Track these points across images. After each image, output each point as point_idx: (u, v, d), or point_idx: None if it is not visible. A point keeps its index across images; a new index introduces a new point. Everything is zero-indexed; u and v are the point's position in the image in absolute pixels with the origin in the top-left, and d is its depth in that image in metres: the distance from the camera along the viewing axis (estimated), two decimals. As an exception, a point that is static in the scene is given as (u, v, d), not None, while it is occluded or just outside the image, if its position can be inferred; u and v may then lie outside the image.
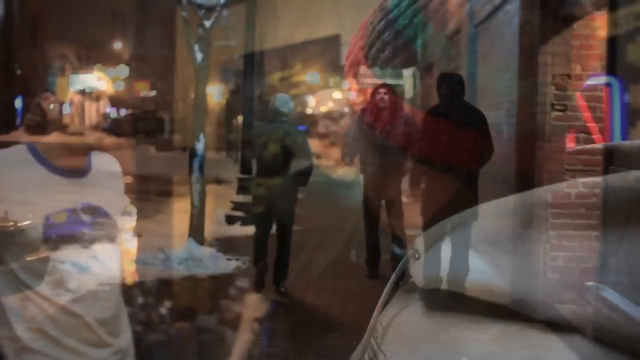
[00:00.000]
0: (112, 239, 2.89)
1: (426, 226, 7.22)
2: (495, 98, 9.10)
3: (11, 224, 2.68)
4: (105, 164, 2.95)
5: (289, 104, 8.30)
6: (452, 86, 7.25)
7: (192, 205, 9.48)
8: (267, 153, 7.94)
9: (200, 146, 9.47)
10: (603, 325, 5.17)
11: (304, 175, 7.98)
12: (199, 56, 9.66)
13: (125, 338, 3.00)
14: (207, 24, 9.69)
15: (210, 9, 9.67)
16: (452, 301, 6.40)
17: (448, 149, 7.03)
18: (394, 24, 9.10)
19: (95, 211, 2.84)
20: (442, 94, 7.30)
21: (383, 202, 9.06)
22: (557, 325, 6.48)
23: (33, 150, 2.78)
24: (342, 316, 7.37)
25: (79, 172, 2.84)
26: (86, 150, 2.86)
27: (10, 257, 2.72)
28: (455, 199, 6.78)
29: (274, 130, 7.98)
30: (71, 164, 2.82)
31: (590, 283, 5.50)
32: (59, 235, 2.73)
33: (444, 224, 6.93)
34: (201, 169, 9.46)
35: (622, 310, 4.72)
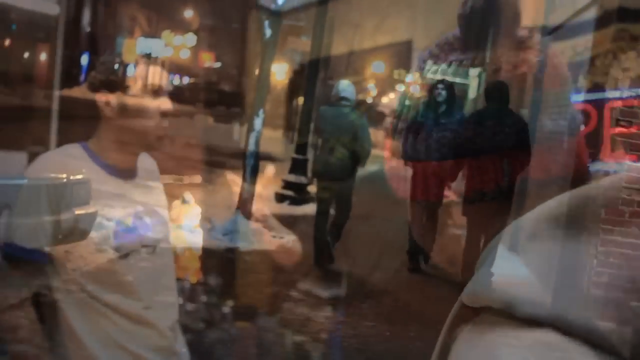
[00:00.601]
0: (166, 239, 2.86)
1: (468, 223, 7.76)
2: (559, 107, 8.98)
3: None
4: (146, 164, 2.91)
5: (351, 90, 8.68)
6: (495, 92, 7.85)
7: (244, 179, 9.50)
8: (334, 157, 8.39)
9: (258, 121, 9.49)
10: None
11: (363, 160, 8.55)
12: (268, 32, 9.67)
13: (180, 340, 2.96)
14: (280, 1, 9.70)
15: (276, 14, 9.70)
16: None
17: (486, 151, 7.50)
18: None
19: (154, 213, 2.82)
20: (487, 99, 7.94)
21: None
22: (595, 342, 6.42)
23: (86, 148, 2.74)
24: (378, 306, 7.36)
25: (130, 173, 2.80)
26: (137, 148, 2.80)
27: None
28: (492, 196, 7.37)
29: (341, 130, 8.40)
30: (124, 164, 2.78)
31: (635, 304, 5.44)
32: (128, 240, 2.70)
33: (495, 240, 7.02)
34: (257, 144, 9.47)
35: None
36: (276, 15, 9.68)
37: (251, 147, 9.51)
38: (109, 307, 2.65)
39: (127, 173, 2.78)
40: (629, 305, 4.34)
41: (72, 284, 2.65)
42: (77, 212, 5.25)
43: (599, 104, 10.30)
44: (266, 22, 9.65)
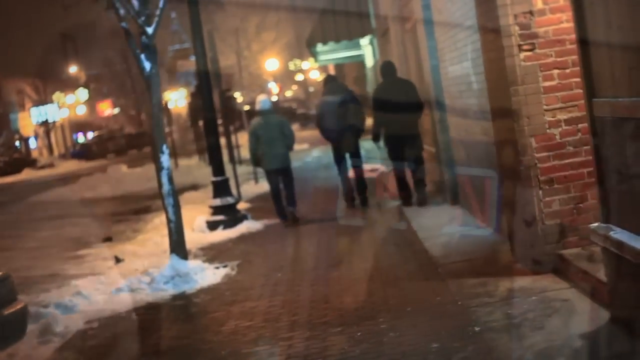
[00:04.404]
0: None
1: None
2: (457, 50, 8.78)
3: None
4: None
5: (267, 102, 12.12)
6: (387, 70, 11.67)
7: (168, 219, 9.06)
8: (273, 150, 11.67)
9: (164, 158, 9.02)
10: (615, 265, 4.88)
11: (291, 146, 11.97)
12: (147, 65, 9.22)
13: None
14: (150, 30, 9.24)
15: (149, 16, 9.20)
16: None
17: (392, 106, 11.09)
18: None
19: None
20: (382, 75, 11.79)
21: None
22: (565, 272, 6.21)
23: None
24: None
25: None
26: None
27: None
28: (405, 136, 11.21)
29: (271, 130, 11.71)
30: None
31: (595, 224, 5.17)
32: None
33: None
34: (170, 181, 9.03)
35: (634, 248, 4.41)
36: (149, 47, 9.22)
37: (165, 186, 9.05)
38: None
39: None
40: (588, 227, 3.98)
41: None
42: (6, 312, 4.82)
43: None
44: (142, 56, 9.20)
